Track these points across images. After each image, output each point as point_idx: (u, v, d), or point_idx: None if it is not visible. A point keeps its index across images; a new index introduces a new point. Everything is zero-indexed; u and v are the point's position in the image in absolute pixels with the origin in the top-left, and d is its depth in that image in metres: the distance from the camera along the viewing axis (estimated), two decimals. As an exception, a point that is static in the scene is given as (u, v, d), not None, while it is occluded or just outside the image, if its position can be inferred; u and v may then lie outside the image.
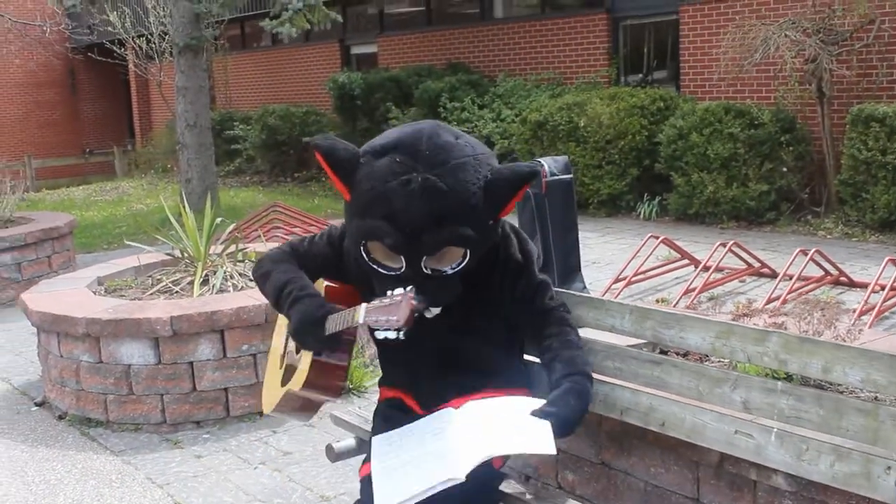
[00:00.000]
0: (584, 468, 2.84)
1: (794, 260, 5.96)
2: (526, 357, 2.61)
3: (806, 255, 6.05)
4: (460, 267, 2.28)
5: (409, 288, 2.15)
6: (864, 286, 6.01)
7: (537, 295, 2.46)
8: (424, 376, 2.46)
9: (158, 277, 5.13)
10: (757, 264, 6.75)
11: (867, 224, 8.26)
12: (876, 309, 5.30)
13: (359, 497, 2.39)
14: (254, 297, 4.46)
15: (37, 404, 4.91)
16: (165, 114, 17.71)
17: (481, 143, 2.41)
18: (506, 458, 2.43)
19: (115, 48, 15.34)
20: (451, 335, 2.39)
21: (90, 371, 4.44)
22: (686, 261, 6.91)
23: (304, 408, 2.62)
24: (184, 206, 5.20)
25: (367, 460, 2.41)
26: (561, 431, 2.22)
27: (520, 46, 12.75)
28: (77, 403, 4.55)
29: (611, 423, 2.64)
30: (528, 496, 2.49)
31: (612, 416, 2.51)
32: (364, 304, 2.19)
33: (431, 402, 2.41)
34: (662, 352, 2.87)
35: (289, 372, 2.58)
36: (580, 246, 6.24)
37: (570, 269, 6.10)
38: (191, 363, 4.35)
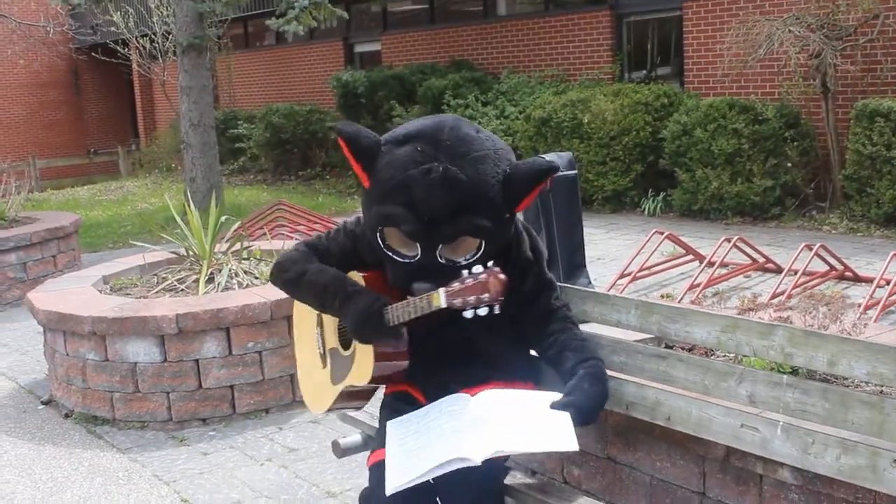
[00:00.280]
0: (590, 463, 2.84)
1: (798, 255, 5.95)
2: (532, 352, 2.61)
3: (811, 249, 6.05)
4: (474, 259, 2.30)
5: (489, 263, 2.18)
6: (869, 281, 6.00)
7: (543, 294, 2.48)
8: (431, 369, 2.47)
9: (164, 276, 5.14)
10: (762, 259, 6.73)
11: (872, 219, 8.25)
12: (881, 303, 5.29)
13: (366, 486, 2.40)
14: (259, 295, 4.47)
15: (43, 403, 4.93)
16: (169, 113, 17.75)
17: (500, 138, 2.43)
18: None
19: (118, 48, 15.36)
20: (459, 328, 2.40)
21: (96, 369, 4.46)
22: (691, 256, 6.90)
23: (358, 396, 2.63)
24: (188, 205, 5.21)
25: (375, 450, 2.42)
26: (581, 419, 2.22)
27: (523, 43, 12.74)
28: (83, 401, 4.56)
29: (617, 418, 2.65)
30: (533, 490, 2.49)
31: (618, 411, 2.51)
32: (442, 289, 2.19)
33: (437, 394, 2.41)
34: (668, 346, 2.88)
35: (338, 367, 2.57)
36: (585, 242, 6.25)
37: (576, 265, 6.11)
38: (196, 361, 4.36)
